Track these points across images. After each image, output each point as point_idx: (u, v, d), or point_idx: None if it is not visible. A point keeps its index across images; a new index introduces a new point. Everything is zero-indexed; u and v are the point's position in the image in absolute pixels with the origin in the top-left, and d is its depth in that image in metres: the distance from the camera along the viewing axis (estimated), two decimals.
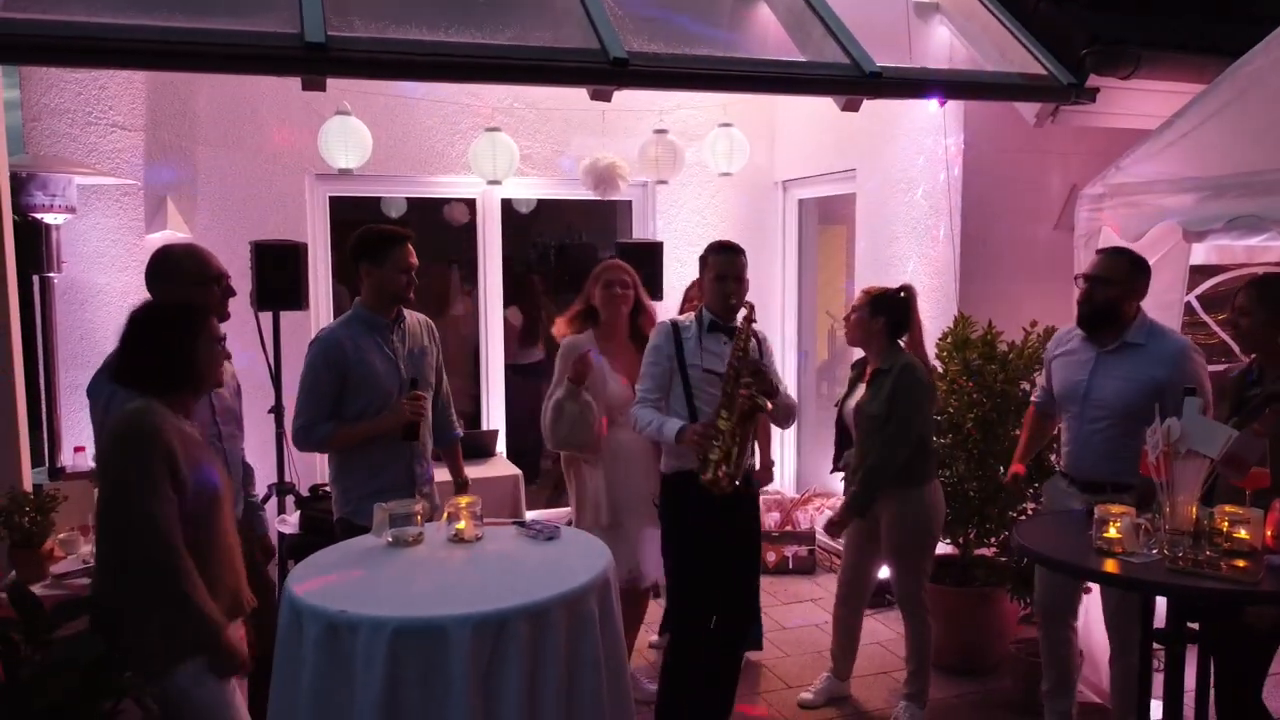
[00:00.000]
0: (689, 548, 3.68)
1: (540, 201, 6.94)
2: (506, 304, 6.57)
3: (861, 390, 4.14)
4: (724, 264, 3.65)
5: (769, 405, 3.50)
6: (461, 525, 2.91)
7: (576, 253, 8.72)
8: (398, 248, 3.59)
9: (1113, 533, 2.79)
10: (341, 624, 2.35)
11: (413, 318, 3.80)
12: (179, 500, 2.56)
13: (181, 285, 3.20)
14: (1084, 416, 3.68)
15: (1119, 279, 3.60)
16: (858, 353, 4.40)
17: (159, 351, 2.68)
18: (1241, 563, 2.65)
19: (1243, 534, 2.70)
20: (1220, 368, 4.81)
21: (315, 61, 3.57)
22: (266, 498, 4.84)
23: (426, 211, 7.51)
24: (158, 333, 2.70)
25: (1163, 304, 4.22)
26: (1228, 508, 2.77)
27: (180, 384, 2.70)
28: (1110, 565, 2.72)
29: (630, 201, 6.54)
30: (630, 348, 4.16)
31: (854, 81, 4.20)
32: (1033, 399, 4.12)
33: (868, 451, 4.05)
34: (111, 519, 2.59)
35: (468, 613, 2.34)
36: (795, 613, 5.45)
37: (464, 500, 2.95)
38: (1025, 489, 4.11)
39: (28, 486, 4.31)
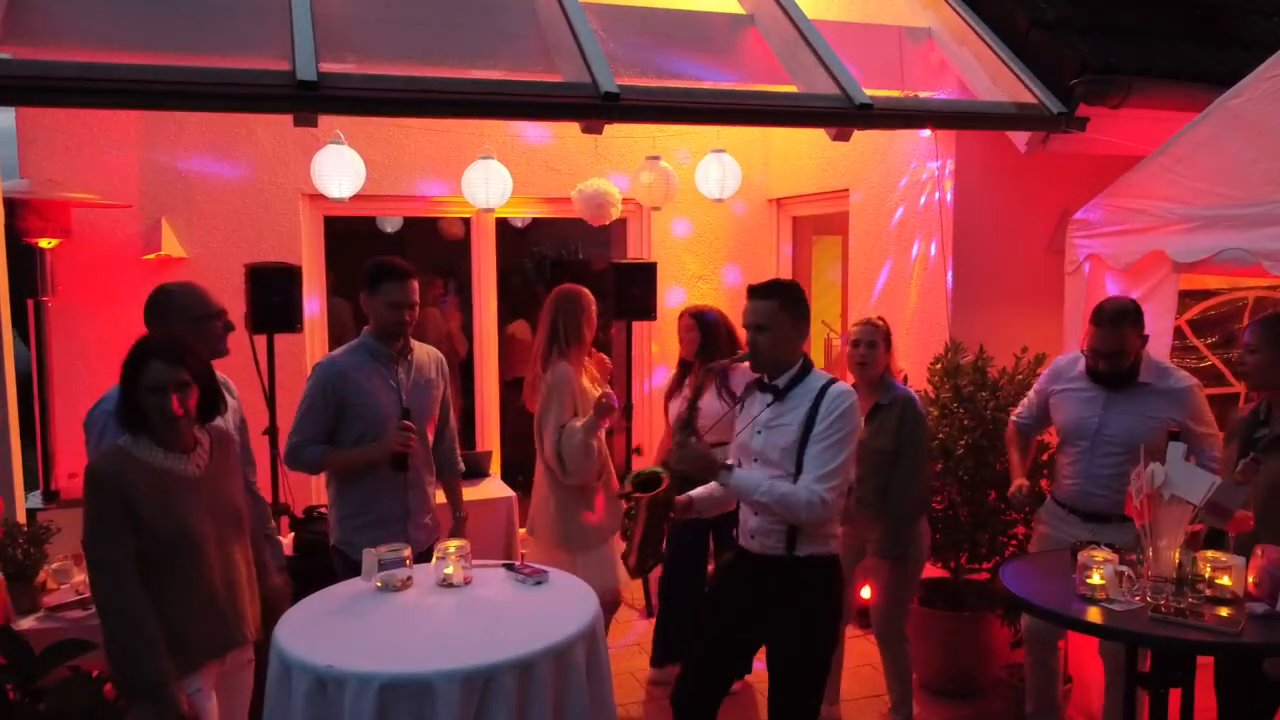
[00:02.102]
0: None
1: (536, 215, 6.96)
2: (510, 319, 6.57)
3: None
4: (747, 311, 3.17)
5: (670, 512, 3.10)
6: (450, 569, 2.92)
7: (572, 268, 8.75)
8: (389, 283, 3.57)
9: (1096, 579, 2.81)
10: (329, 678, 2.37)
11: (423, 351, 3.82)
12: (141, 541, 2.62)
13: (179, 321, 3.19)
14: (1095, 452, 3.72)
15: (1129, 345, 3.66)
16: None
17: (124, 391, 2.73)
18: (1224, 610, 2.66)
19: (1225, 580, 2.73)
20: (1207, 392, 4.85)
21: (307, 100, 3.57)
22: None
23: (423, 224, 7.53)
24: (123, 372, 2.73)
25: (1153, 331, 4.23)
26: (1209, 553, 2.79)
27: (139, 423, 2.73)
28: (1093, 613, 2.74)
29: (625, 218, 6.56)
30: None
31: (844, 114, 4.21)
32: (1014, 418, 4.14)
33: (876, 487, 4.03)
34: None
35: (454, 667, 2.36)
36: None
37: (453, 544, 2.97)
38: (1033, 501, 4.01)
39: (21, 514, 4.32)
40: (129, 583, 2.59)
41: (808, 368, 3.12)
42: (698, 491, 3.28)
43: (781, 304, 3.09)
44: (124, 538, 2.61)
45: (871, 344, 4.09)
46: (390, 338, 3.65)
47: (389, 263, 3.65)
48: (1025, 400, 4.15)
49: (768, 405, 3.08)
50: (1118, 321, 3.64)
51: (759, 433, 3.09)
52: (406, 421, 3.58)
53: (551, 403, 4.18)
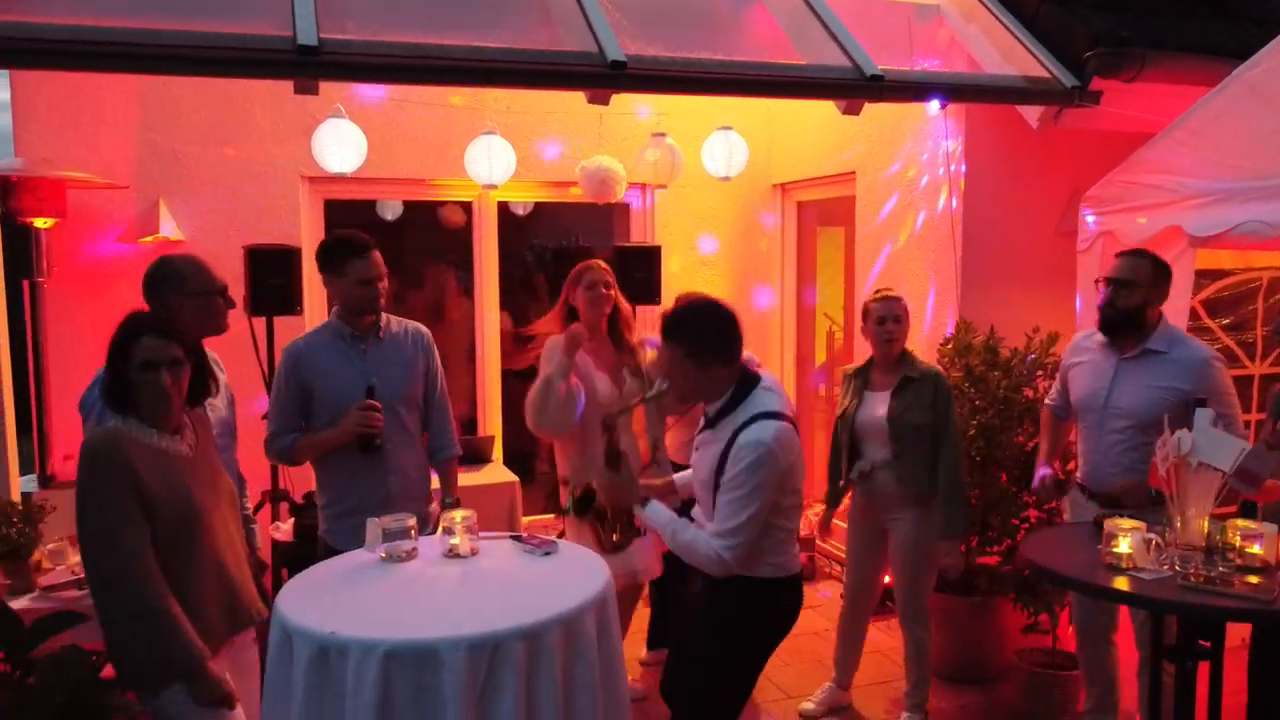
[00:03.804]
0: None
1: (538, 204, 6.87)
2: (504, 307, 6.50)
3: (877, 399, 4.04)
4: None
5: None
6: (456, 540, 2.84)
7: (573, 256, 8.66)
8: (355, 260, 3.43)
9: (1123, 547, 2.73)
10: (331, 646, 2.29)
11: (401, 327, 3.67)
12: (150, 522, 2.52)
13: (176, 297, 3.14)
14: (1103, 426, 3.60)
15: (1142, 281, 3.52)
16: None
17: (113, 370, 2.61)
18: (1255, 579, 2.59)
19: (1256, 549, 2.65)
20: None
21: (308, 65, 3.49)
22: (260, 505, 4.79)
23: (423, 211, 7.43)
24: (112, 350, 2.63)
25: (1169, 310, 4.16)
26: (1239, 522, 2.72)
27: (127, 404, 2.62)
28: (1120, 582, 2.67)
29: (628, 204, 6.48)
30: (610, 347, 4.09)
31: (855, 85, 4.13)
32: (1047, 401, 4.05)
33: (914, 462, 3.96)
34: (81, 540, 2.55)
35: (460, 635, 2.27)
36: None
37: (459, 514, 2.88)
38: (1055, 492, 3.91)
39: (16, 495, 4.25)
40: (151, 563, 2.49)
41: (739, 396, 2.86)
42: (678, 477, 3.28)
43: (675, 346, 2.86)
44: (137, 517, 2.50)
45: (897, 319, 4.02)
46: (360, 315, 3.52)
47: (347, 239, 3.51)
48: (1055, 383, 4.06)
49: (703, 428, 2.97)
50: (1140, 254, 3.57)
51: (696, 450, 3.01)
52: (370, 400, 3.40)
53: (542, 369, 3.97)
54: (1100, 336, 3.69)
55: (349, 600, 2.57)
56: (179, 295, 3.15)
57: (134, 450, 2.57)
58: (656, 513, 2.91)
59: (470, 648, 2.26)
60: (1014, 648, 4.55)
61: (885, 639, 5.04)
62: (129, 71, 4.24)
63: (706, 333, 2.86)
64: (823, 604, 5.54)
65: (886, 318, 4.00)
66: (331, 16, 3.70)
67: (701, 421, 2.97)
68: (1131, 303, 3.51)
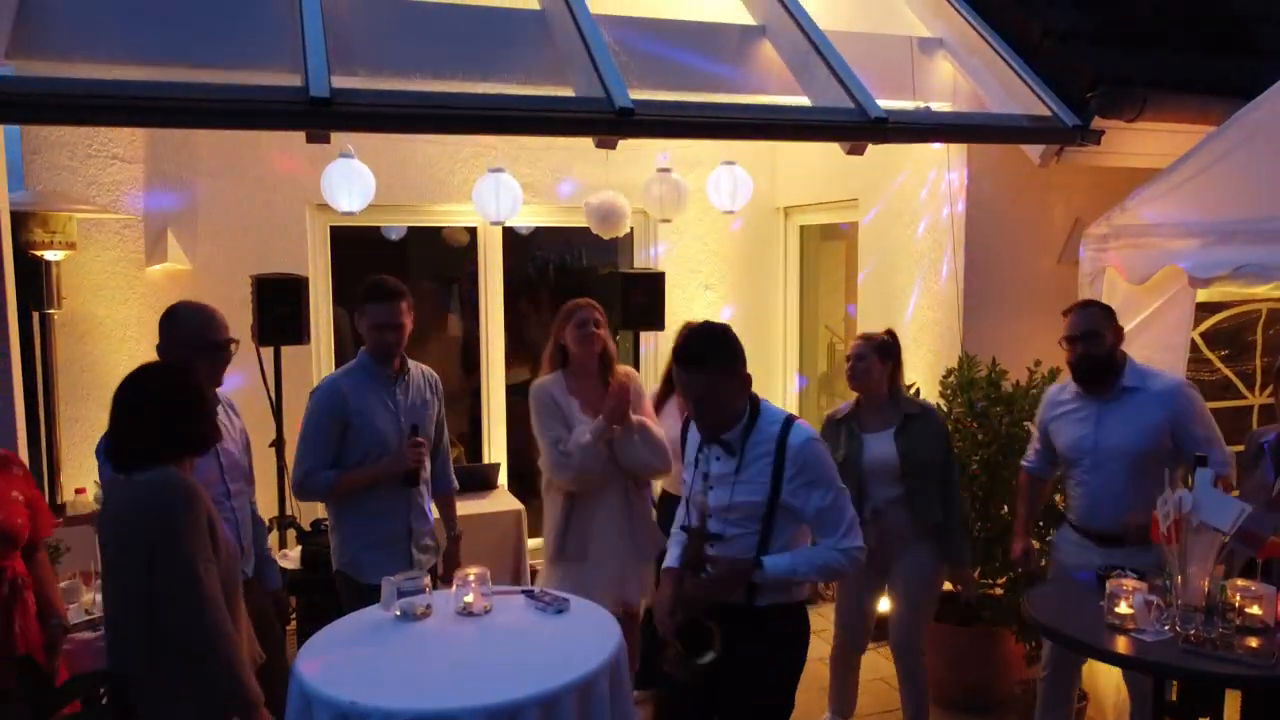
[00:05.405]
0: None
1: None
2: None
3: (879, 439, 4.03)
4: (682, 383, 2.91)
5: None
6: (470, 598, 2.89)
7: (576, 273, 8.67)
8: (374, 303, 3.61)
9: (1124, 609, 2.78)
10: (353, 715, 2.34)
11: (417, 369, 3.84)
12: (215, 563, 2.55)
13: (180, 347, 3.16)
14: (1097, 469, 3.66)
15: (1106, 328, 3.64)
16: None
17: (155, 419, 2.60)
18: (1254, 641, 2.64)
19: (1255, 610, 2.70)
20: (1221, 405, 4.82)
21: (320, 116, 3.52)
22: (268, 530, 4.82)
23: (427, 231, 7.45)
24: (149, 401, 2.62)
25: (1169, 345, 4.21)
26: (1239, 581, 2.76)
27: (179, 449, 2.63)
28: (1122, 643, 2.71)
29: (631, 225, 6.50)
30: (601, 389, 3.90)
31: (859, 127, 4.16)
32: (1024, 463, 4.07)
33: (930, 498, 3.99)
34: (160, 575, 2.46)
35: (478, 704, 2.32)
36: None
37: (472, 571, 2.93)
38: (1037, 562, 4.03)
39: None
40: (221, 602, 2.49)
41: (756, 410, 2.88)
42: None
43: (720, 369, 2.82)
44: (210, 555, 2.51)
45: (860, 357, 4.05)
46: (381, 359, 3.67)
47: (377, 282, 3.65)
48: (1031, 443, 4.08)
49: (717, 459, 2.88)
50: (1086, 304, 3.71)
51: (712, 488, 2.89)
52: (417, 438, 3.64)
53: (534, 420, 3.92)
54: (1074, 387, 3.77)
55: (367, 664, 2.62)
56: (177, 346, 3.17)
57: (201, 491, 2.59)
58: (777, 564, 2.81)
59: (489, 717, 2.31)
60: (1017, 677, 4.61)
61: (887, 666, 5.06)
62: (142, 125, 4.30)
63: (728, 344, 2.87)
64: (826, 629, 5.56)
65: (850, 356, 4.09)
66: (342, 65, 3.74)
67: (715, 451, 2.89)
68: (1104, 349, 3.62)
